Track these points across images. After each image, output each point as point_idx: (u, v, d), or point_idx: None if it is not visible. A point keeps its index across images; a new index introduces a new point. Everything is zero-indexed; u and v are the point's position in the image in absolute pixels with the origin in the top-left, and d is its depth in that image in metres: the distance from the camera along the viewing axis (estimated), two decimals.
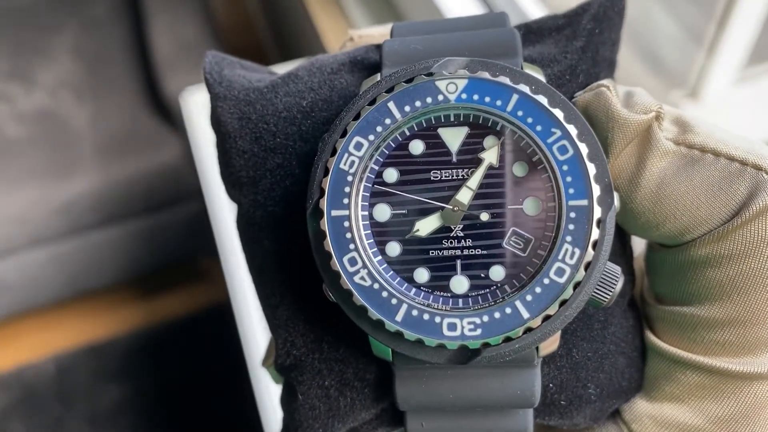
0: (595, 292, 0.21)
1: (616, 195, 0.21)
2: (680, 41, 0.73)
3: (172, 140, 1.37)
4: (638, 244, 0.27)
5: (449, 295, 0.22)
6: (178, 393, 1.46)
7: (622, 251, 0.26)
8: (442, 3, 0.76)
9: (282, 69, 0.28)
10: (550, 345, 0.23)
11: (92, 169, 1.34)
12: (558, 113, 0.21)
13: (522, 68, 0.23)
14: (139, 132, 1.38)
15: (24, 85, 1.42)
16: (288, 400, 0.26)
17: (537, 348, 0.22)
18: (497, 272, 0.22)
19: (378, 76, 0.24)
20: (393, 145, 0.22)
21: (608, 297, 0.21)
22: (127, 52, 1.48)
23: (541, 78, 0.22)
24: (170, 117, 1.38)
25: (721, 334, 0.22)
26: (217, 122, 0.26)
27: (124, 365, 1.50)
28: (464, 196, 0.22)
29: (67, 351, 1.52)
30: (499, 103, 0.21)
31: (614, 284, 0.21)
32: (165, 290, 1.61)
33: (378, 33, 0.28)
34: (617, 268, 0.21)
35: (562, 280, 0.20)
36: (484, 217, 0.22)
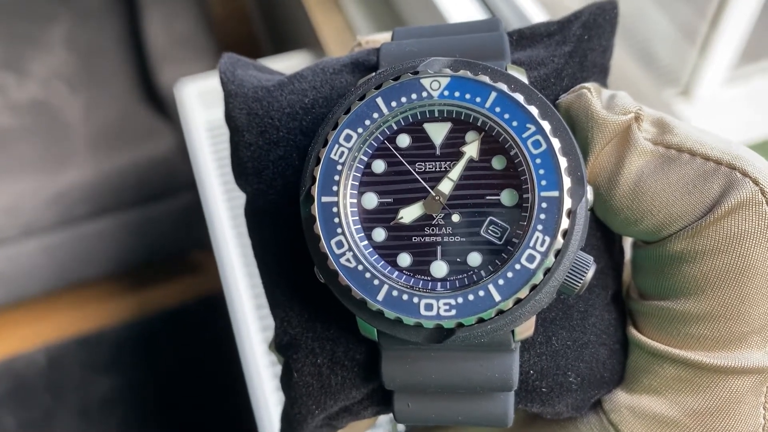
0: (566, 279, 0.22)
1: (589, 188, 0.22)
2: (673, 40, 0.73)
3: (166, 132, 1.37)
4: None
5: (429, 278, 0.23)
6: (169, 385, 1.47)
7: (606, 248, 0.26)
8: None
9: (276, 62, 0.30)
10: (526, 330, 0.24)
11: (85, 160, 1.33)
12: (533, 110, 0.22)
13: (506, 69, 0.24)
14: (133, 123, 1.38)
15: (17, 76, 1.41)
16: (286, 378, 0.27)
17: (513, 333, 0.23)
18: (474, 258, 0.23)
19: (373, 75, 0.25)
20: (381, 138, 0.24)
21: (579, 284, 0.22)
22: (121, 43, 1.48)
23: (523, 79, 0.23)
24: (164, 108, 1.37)
25: (696, 328, 0.23)
26: (228, 117, 0.28)
27: (115, 357, 1.50)
28: (445, 186, 0.23)
29: (58, 342, 1.52)
30: (478, 99, 0.22)
31: (585, 272, 0.22)
32: (157, 282, 1.61)
33: (383, 38, 0.29)
34: (589, 257, 0.22)
35: (532, 266, 0.21)
36: (455, 218, 0.23)
